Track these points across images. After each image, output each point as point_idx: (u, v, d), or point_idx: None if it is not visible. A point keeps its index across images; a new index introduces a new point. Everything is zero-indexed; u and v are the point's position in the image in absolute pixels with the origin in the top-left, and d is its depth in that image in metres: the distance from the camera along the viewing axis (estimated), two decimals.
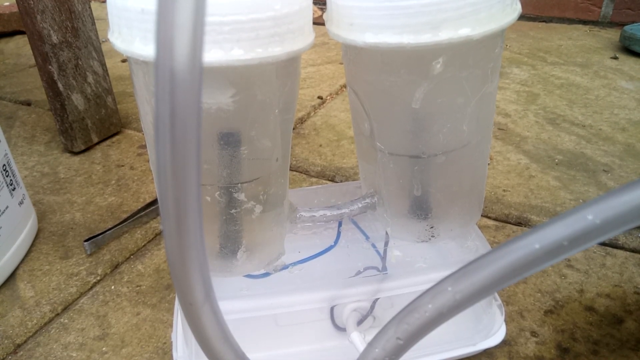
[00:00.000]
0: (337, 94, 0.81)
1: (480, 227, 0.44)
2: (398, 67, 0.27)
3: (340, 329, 0.34)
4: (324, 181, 0.58)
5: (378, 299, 0.33)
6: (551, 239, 0.15)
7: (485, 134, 0.31)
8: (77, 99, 0.63)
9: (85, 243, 0.47)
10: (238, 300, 0.31)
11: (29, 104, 0.82)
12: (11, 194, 0.45)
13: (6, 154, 0.46)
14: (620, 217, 0.15)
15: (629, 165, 0.58)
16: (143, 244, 0.49)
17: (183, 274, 0.17)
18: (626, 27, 0.93)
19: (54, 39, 0.59)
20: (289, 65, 0.26)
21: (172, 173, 0.15)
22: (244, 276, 0.33)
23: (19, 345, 0.38)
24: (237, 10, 0.22)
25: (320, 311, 0.34)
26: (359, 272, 0.35)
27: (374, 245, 0.37)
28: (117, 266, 0.46)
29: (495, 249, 0.17)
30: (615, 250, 0.45)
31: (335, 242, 0.37)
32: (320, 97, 0.80)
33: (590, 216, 0.15)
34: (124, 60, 0.98)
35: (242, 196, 0.28)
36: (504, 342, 0.36)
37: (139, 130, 0.72)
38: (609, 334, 0.37)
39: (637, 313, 0.39)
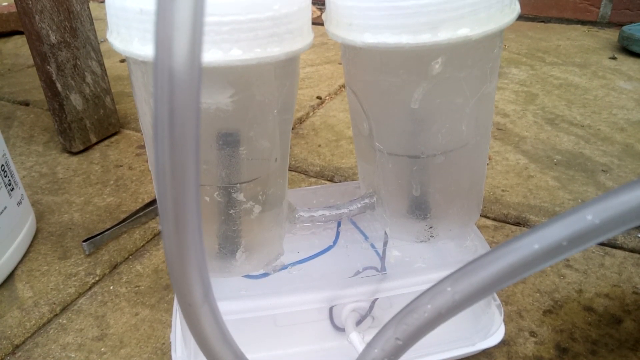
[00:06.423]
0: (336, 94, 0.81)
1: (479, 227, 0.44)
2: (397, 67, 0.27)
3: (339, 329, 0.34)
4: (323, 181, 0.58)
5: (377, 299, 0.33)
6: (550, 239, 0.15)
7: (484, 134, 0.31)
8: (75, 99, 0.63)
9: (84, 243, 0.47)
10: (237, 301, 0.31)
11: (27, 104, 0.82)
12: (9, 194, 0.45)
13: (4, 154, 0.46)
14: (620, 217, 0.15)
15: (628, 165, 0.58)
16: (142, 245, 0.49)
17: (182, 274, 0.17)
18: (625, 27, 0.93)
19: (53, 39, 0.59)
20: (287, 66, 0.26)
21: (171, 173, 0.15)
22: (243, 277, 0.33)
23: (17, 346, 0.38)
24: (235, 10, 0.22)
25: (319, 311, 0.34)
26: (357, 273, 0.35)
27: (373, 246, 0.37)
28: (115, 266, 0.46)
29: (494, 249, 0.17)
30: (614, 250, 0.45)
31: (334, 242, 0.37)
32: (319, 97, 0.79)
33: (589, 216, 0.15)
34: (122, 60, 0.98)
35: (241, 196, 0.28)
36: (503, 342, 0.36)
37: (138, 130, 0.72)
38: (607, 334, 0.37)
39: (636, 313, 0.39)
